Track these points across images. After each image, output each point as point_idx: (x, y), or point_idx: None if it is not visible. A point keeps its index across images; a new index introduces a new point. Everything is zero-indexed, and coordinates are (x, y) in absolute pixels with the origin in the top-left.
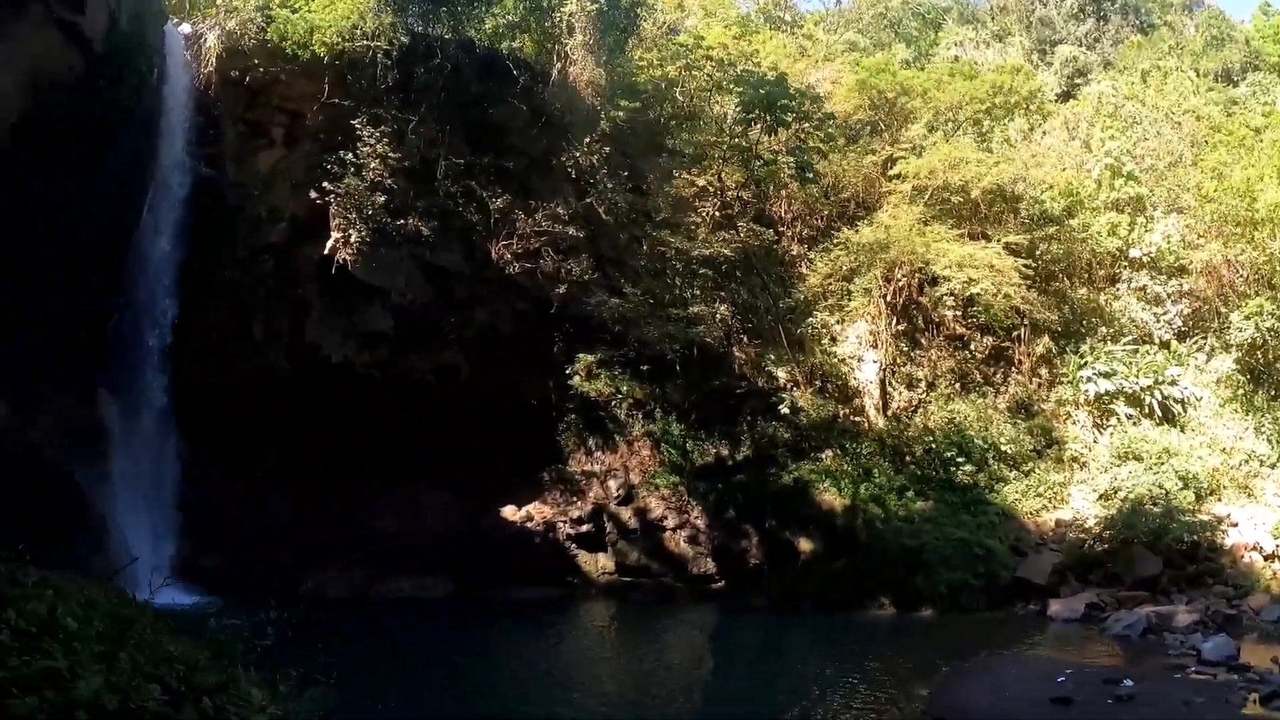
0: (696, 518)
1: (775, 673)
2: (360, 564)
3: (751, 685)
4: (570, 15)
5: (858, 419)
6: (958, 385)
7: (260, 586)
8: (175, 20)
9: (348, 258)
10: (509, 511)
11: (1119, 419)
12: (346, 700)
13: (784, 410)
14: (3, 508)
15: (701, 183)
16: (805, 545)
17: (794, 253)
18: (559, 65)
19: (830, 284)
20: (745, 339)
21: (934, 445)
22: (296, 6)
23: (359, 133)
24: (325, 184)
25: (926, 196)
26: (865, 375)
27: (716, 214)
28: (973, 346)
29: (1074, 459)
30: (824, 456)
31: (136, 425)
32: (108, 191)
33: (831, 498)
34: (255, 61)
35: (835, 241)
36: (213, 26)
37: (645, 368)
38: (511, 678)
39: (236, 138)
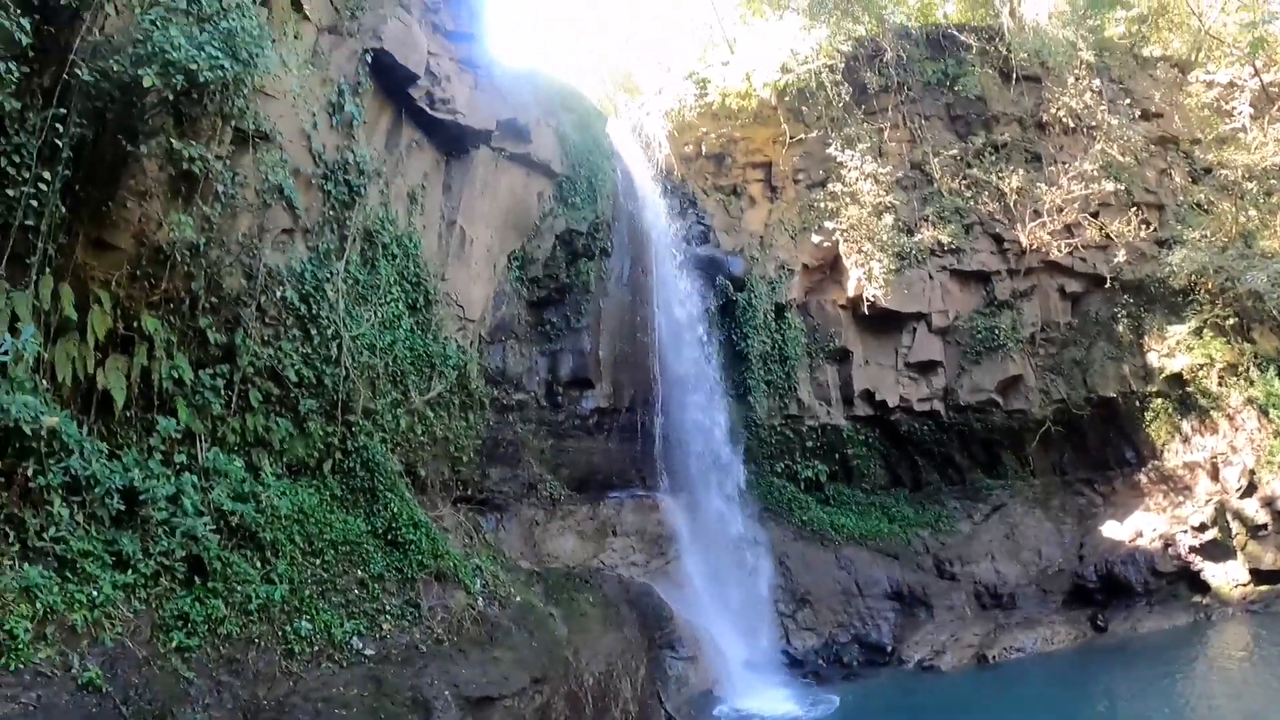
0: None
1: None
2: (970, 621)
3: None
4: None
5: None
6: None
7: (865, 664)
8: (611, 118)
9: (876, 292)
10: (1112, 529)
11: None
12: None
13: None
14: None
15: (1224, 79)
16: None
17: None
18: (1006, 8)
19: None
20: None
21: None
22: (724, 60)
23: (837, 159)
24: (825, 224)
25: None
26: None
27: (1254, 111)
28: None
29: None
30: None
31: (702, 521)
32: (621, 299)
33: None
34: (704, 130)
35: None
36: (649, 113)
37: (1230, 322)
38: None
39: (716, 207)
